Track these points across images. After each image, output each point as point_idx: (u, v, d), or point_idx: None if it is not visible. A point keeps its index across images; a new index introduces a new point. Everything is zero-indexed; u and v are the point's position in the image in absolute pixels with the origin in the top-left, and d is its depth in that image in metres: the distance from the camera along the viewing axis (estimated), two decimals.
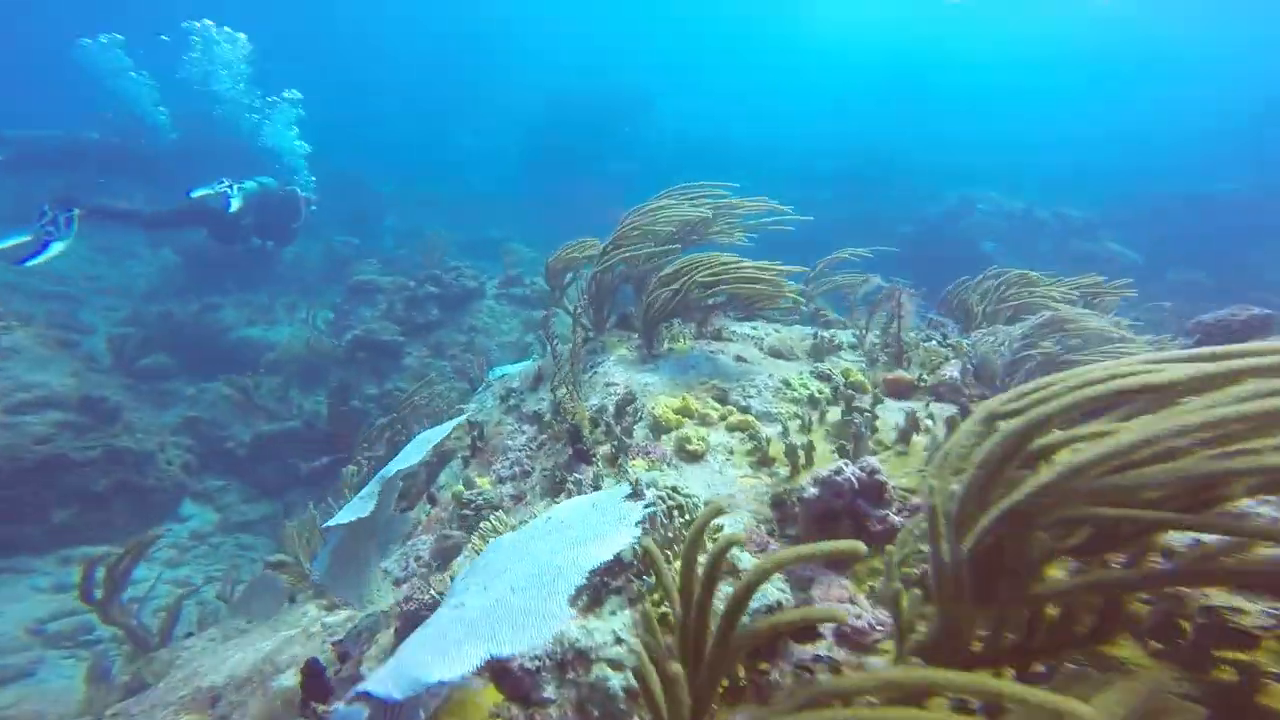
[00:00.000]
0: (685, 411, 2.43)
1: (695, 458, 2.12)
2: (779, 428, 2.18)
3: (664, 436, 2.29)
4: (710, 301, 3.14)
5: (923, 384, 2.45)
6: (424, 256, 12.44)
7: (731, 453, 2.12)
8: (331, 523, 2.00)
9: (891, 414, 2.18)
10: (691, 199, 3.59)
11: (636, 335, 3.41)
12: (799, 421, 2.16)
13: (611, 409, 2.43)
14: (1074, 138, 26.33)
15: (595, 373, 2.98)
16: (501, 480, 2.59)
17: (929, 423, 2.09)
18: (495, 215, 19.87)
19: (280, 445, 7.27)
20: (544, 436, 2.69)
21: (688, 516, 1.64)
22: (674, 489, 1.73)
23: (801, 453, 1.80)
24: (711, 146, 21.14)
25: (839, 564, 1.53)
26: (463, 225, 18.14)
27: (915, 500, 1.55)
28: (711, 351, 3.02)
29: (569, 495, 2.09)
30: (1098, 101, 31.43)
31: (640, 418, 2.34)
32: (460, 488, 2.59)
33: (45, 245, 6.10)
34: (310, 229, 9.46)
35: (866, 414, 2.05)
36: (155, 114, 13.11)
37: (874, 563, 1.47)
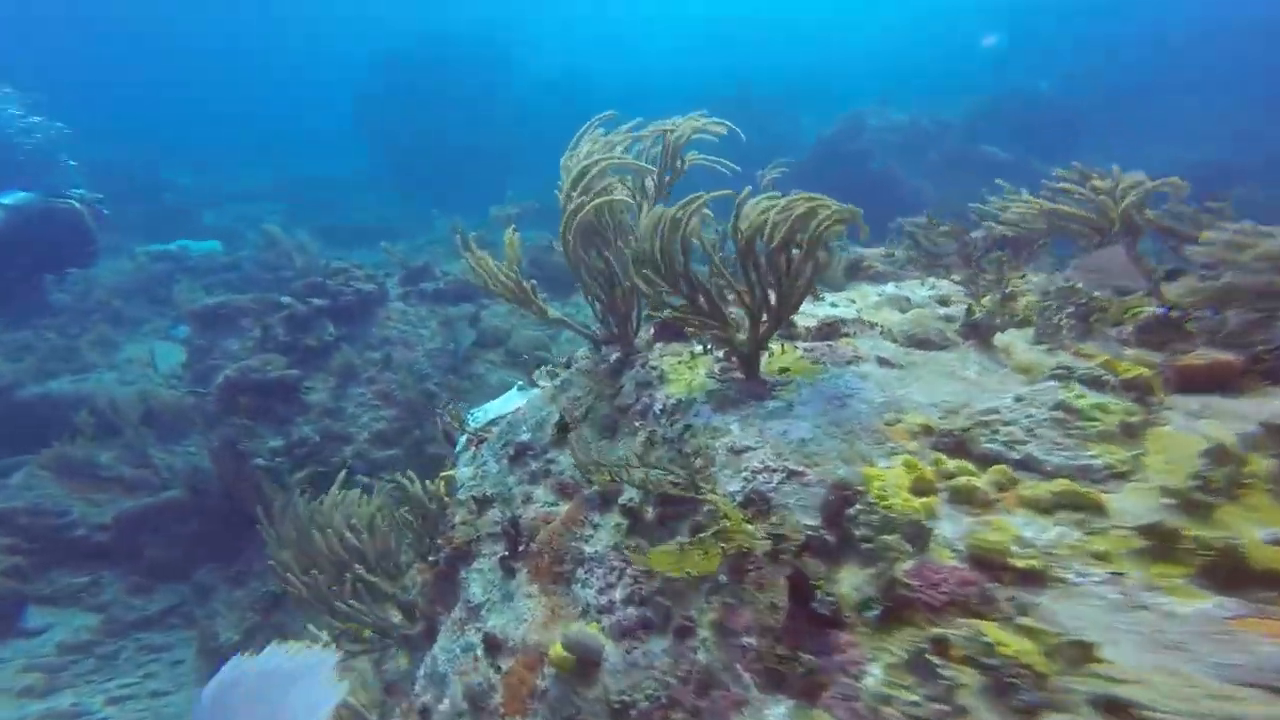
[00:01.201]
0: (923, 487, 1.52)
1: (1040, 582, 1.23)
2: (1150, 495, 1.33)
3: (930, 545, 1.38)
4: (808, 274, 2.05)
5: (1260, 364, 1.65)
6: (273, 255, 10.37)
7: (1101, 559, 1.24)
8: None
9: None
10: (625, 134, 2.56)
11: (701, 348, 2.40)
12: (1197, 482, 1.31)
13: (814, 512, 1.47)
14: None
15: (689, 425, 1.97)
16: (626, 634, 1.55)
17: None
18: (345, 200, 17.48)
19: (161, 520, 5.72)
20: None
21: None
22: None
23: None
24: (579, 93, 19.60)
25: None
26: (307, 215, 15.84)
27: None
28: (846, 363, 2.10)
29: (836, 711, 1.14)
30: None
31: (878, 523, 1.40)
32: (564, 652, 1.55)
33: None
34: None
35: None
36: None
37: None
